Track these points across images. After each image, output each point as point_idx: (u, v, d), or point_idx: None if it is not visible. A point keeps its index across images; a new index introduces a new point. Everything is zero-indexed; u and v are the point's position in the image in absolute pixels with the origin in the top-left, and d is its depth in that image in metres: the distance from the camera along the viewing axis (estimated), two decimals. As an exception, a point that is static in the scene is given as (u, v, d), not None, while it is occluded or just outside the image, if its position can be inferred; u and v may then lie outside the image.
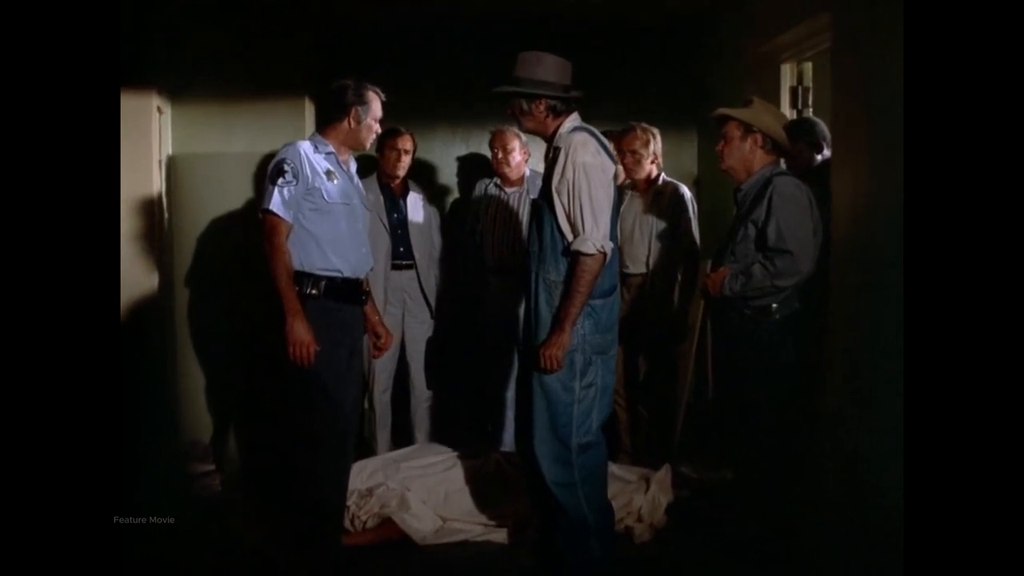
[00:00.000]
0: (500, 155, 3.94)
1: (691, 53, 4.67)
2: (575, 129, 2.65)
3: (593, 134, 2.66)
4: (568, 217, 2.58)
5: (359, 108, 2.81)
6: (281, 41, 3.93)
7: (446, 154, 4.74)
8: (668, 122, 4.22)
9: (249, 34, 3.89)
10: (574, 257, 2.55)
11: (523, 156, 3.98)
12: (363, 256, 2.91)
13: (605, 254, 2.56)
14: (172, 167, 3.84)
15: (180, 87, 3.84)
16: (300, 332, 2.66)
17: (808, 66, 3.80)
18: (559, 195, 2.58)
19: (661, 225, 3.79)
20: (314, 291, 2.74)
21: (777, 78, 3.83)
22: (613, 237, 2.63)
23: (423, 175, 4.45)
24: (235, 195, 3.85)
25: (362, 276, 2.93)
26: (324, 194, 2.76)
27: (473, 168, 4.61)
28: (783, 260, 2.73)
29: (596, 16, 4.46)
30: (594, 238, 2.53)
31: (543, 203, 2.66)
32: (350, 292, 2.86)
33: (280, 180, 2.70)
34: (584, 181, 2.53)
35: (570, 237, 2.58)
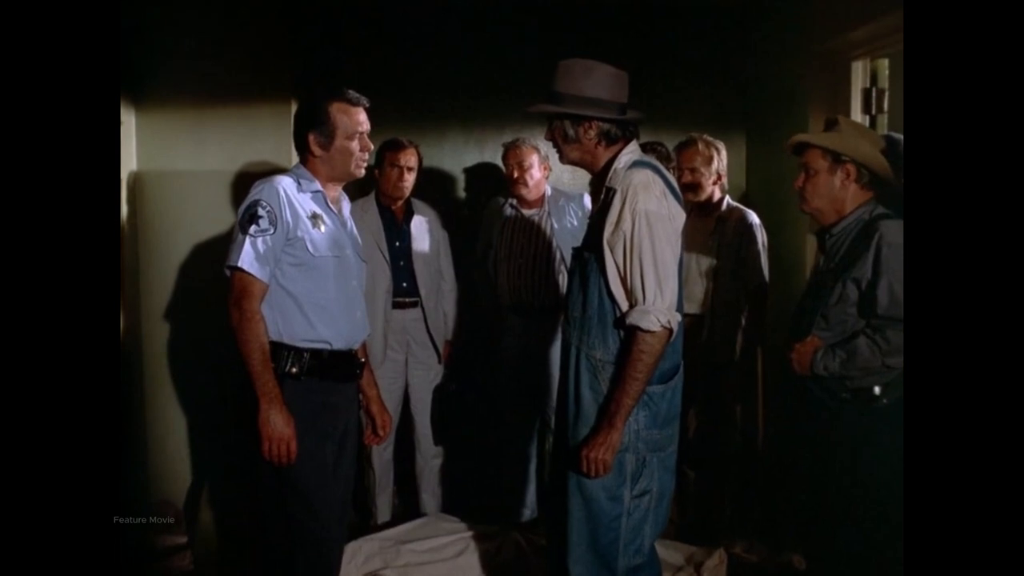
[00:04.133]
0: (516, 173, 3.34)
1: (738, 47, 4.05)
2: (635, 164, 2.04)
3: (658, 171, 2.05)
4: (623, 280, 1.99)
5: (318, 131, 2.22)
6: (269, 37, 3.32)
7: (458, 163, 4.14)
8: (712, 128, 3.61)
9: (230, 28, 3.29)
10: (631, 333, 1.96)
11: (543, 173, 3.39)
12: (357, 322, 2.32)
13: (671, 330, 1.97)
14: (136, 185, 3.30)
15: (145, 90, 3.27)
16: (278, 425, 2.09)
17: (883, 63, 3.18)
18: (612, 250, 1.98)
19: (724, 259, 3.19)
20: (294, 369, 2.16)
21: (844, 76, 3.22)
22: (680, 306, 2.04)
23: (432, 189, 3.82)
24: (210, 218, 3.28)
25: (356, 347, 2.35)
26: (309, 245, 2.17)
27: (485, 182, 4.01)
28: (899, 333, 2.11)
29: (624, 2, 3.88)
30: (657, 310, 1.93)
31: (590, 256, 2.06)
32: (341, 368, 2.27)
33: (253, 228, 2.11)
34: (647, 235, 1.94)
35: (624, 306, 1.99)
